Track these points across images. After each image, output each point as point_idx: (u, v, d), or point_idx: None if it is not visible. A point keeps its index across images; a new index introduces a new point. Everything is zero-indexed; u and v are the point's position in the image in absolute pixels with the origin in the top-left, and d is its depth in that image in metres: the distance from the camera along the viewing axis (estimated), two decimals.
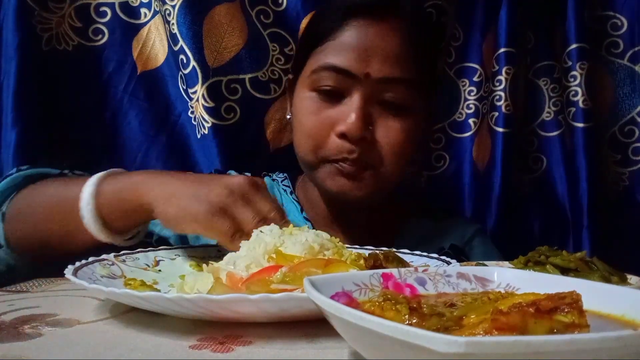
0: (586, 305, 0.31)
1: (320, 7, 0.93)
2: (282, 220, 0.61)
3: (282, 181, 0.93)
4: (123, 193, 0.65)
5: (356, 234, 0.84)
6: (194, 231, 0.63)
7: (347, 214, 0.86)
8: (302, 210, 0.88)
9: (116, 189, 0.65)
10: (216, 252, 0.69)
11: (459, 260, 0.62)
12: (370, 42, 0.77)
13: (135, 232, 0.70)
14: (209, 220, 0.59)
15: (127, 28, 0.97)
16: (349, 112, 0.76)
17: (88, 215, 0.64)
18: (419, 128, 0.83)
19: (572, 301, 0.30)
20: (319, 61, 0.79)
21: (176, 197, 0.62)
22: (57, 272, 0.55)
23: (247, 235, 0.58)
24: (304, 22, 0.97)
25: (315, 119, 0.79)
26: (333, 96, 0.78)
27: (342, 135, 0.76)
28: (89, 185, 0.65)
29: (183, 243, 0.81)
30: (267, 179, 0.92)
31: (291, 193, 0.91)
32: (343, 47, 0.78)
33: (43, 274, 0.66)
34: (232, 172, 0.91)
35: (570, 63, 0.98)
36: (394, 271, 0.41)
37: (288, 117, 0.89)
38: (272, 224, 0.59)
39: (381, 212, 0.90)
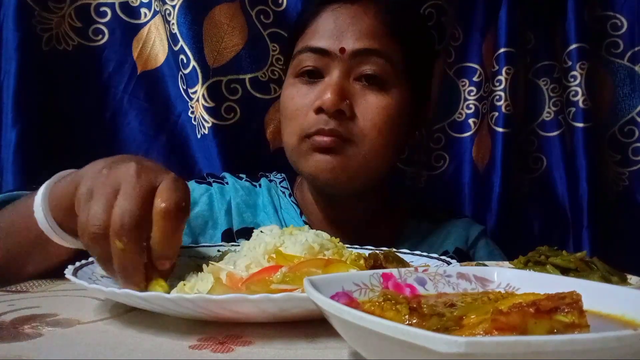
0: (586, 305, 0.31)
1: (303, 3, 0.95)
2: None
3: (280, 182, 0.92)
4: (66, 188, 0.57)
5: (355, 237, 0.83)
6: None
7: (345, 217, 0.85)
8: (301, 214, 0.87)
9: (61, 186, 0.58)
10: (216, 252, 0.69)
11: None
12: (343, 21, 0.79)
13: None
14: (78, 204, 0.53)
15: (127, 28, 0.97)
16: (326, 88, 0.76)
17: (42, 219, 0.57)
18: (404, 108, 0.81)
19: (572, 301, 0.30)
20: (298, 47, 0.82)
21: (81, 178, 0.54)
22: (57, 272, 0.55)
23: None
24: None
25: (296, 101, 0.80)
26: (313, 77, 0.79)
27: (319, 110, 0.76)
28: (41, 189, 0.58)
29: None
30: (263, 180, 0.91)
31: (290, 195, 0.90)
32: (318, 30, 0.80)
33: (53, 275, 0.63)
34: (227, 175, 0.90)
35: (570, 63, 0.98)
36: (394, 271, 0.41)
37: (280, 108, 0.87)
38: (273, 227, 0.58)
39: (380, 214, 0.89)
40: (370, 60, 0.78)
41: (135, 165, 0.50)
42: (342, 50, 0.77)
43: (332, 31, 0.79)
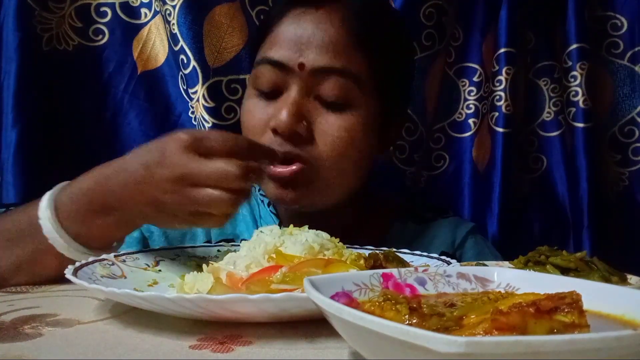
0: (586, 305, 0.31)
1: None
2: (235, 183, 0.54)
3: (259, 190, 0.85)
4: (73, 195, 0.59)
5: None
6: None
7: (324, 228, 0.72)
8: (280, 224, 0.79)
9: (68, 195, 0.60)
10: (216, 252, 0.69)
11: None
12: (305, 30, 0.72)
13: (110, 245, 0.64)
14: (150, 219, 0.59)
15: (128, 28, 0.97)
16: (282, 107, 0.71)
17: (49, 229, 0.58)
18: (367, 130, 0.74)
19: (572, 301, 0.30)
20: (259, 56, 0.75)
21: (124, 198, 0.57)
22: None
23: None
24: None
25: (253, 118, 0.74)
26: (271, 93, 0.74)
27: (275, 131, 0.71)
28: (44, 201, 0.59)
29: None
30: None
31: (269, 204, 0.85)
32: (278, 39, 0.73)
33: None
34: None
35: (570, 63, 0.98)
36: (394, 271, 0.41)
37: None
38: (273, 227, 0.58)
39: (362, 219, 0.85)
40: (332, 80, 0.71)
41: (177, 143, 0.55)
42: (301, 66, 0.71)
43: (292, 42, 0.72)
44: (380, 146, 0.82)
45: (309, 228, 0.78)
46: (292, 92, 0.71)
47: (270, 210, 0.85)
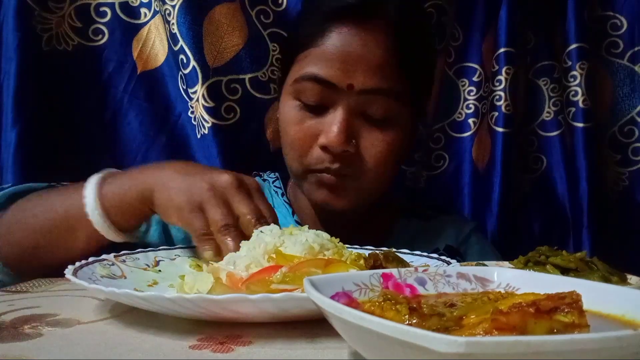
0: (586, 305, 0.31)
1: (303, 8, 0.91)
2: (262, 223, 0.60)
3: (273, 182, 0.91)
4: (124, 186, 0.66)
5: (346, 237, 0.82)
6: (176, 223, 0.64)
7: (336, 218, 0.84)
8: (293, 213, 0.86)
9: (117, 185, 0.66)
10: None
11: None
12: (353, 51, 0.74)
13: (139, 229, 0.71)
14: (185, 215, 0.61)
15: (127, 28, 0.97)
16: (331, 125, 0.74)
17: (94, 212, 0.65)
18: (405, 140, 0.80)
19: (572, 301, 0.30)
20: (302, 69, 0.76)
21: (166, 187, 0.63)
22: (57, 272, 0.55)
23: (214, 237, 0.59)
24: None
25: (299, 129, 0.77)
26: (317, 107, 0.76)
27: (325, 148, 0.75)
28: (90, 186, 0.66)
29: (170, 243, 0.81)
30: (257, 179, 0.90)
31: (282, 195, 0.89)
32: (325, 57, 0.75)
33: (53, 275, 0.65)
34: None
35: (570, 63, 0.99)
36: (394, 271, 0.41)
37: (278, 116, 0.86)
38: (272, 224, 0.58)
39: (370, 214, 0.88)
40: (378, 100, 0.75)
41: (226, 176, 0.62)
42: (350, 86, 0.74)
43: (340, 62, 0.74)
44: (408, 150, 0.88)
45: (323, 222, 0.85)
46: (341, 111, 0.74)
47: (284, 200, 0.88)
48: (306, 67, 0.76)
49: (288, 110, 0.79)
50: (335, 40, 0.75)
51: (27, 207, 0.71)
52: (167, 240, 0.83)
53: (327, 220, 0.85)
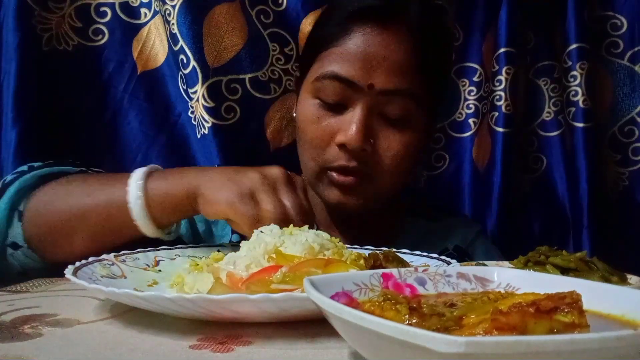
0: (586, 305, 0.31)
1: (326, 7, 0.92)
2: (303, 220, 0.61)
3: None
4: (170, 185, 0.66)
5: (354, 235, 0.84)
6: (225, 215, 0.64)
7: (345, 217, 0.85)
8: None
9: (163, 182, 0.67)
10: (216, 252, 0.69)
11: (463, 261, 0.62)
12: (375, 51, 0.75)
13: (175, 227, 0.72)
14: (236, 203, 0.61)
15: (127, 28, 0.97)
16: (350, 123, 0.74)
17: (138, 211, 0.65)
18: (421, 142, 0.81)
19: (572, 301, 0.30)
20: (323, 68, 0.77)
21: (213, 181, 0.64)
22: (57, 272, 0.55)
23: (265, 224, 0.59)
24: (305, 22, 0.97)
25: (317, 128, 0.78)
26: (336, 105, 0.77)
27: (342, 146, 0.75)
28: (135, 181, 0.66)
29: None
30: None
31: None
32: (347, 56, 0.76)
33: (53, 274, 0.65)
34: None
35: (570, 63, 0.99)
36: (394, 271, 0.41)
37: (294, 114, 0.87)
38: (273, 225, 0.58)
39: (379, 213, 0.89)
40: (397, 101, 0.76)
41: (276, 169, 0.66)
42: (371, 86, 0.74)
43: (362, 61, 0.75)
44: (423, 152, 0.89)
45: (333, 222, 0.86)
46: (360, 110, 0.75)
47: None
48: (328, 65, 0.77)
49: (307, 108, 0.80)
50: (358, 40, 0.76)
51: (64, 190, 0.71)
52: (193, 234, 0.85)
53: (335, 219, 0.86)
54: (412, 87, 0.76)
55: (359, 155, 0.75)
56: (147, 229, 0.66)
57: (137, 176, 0.67)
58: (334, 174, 0.77)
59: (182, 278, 0.56)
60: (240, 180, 0.63)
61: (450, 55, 0.92)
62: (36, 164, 0.77)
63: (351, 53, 0.75)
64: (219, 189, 0.63)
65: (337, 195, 0.78)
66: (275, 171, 0.65)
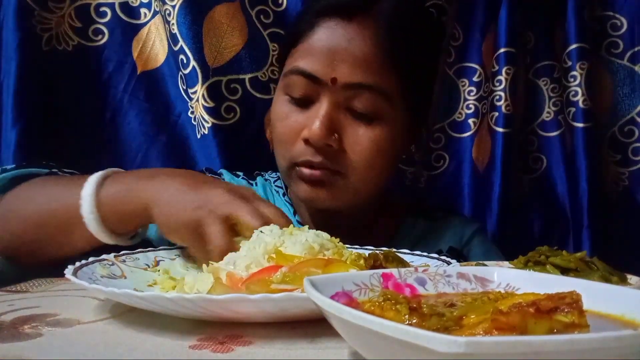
0: (586, 305, 0.31)
1: (302, 6, 0.92)
2: (285, 224, 0.59)
3: (274, 182, 0.91)
4: (123, 196, 0.64)
5: (350, 236, 0.82)
6: (176, 242, 0.63)
7: (332, 219, 0.82)
8: (295, 213, 0.86)
9: (116, 192, 0.64)
10: None
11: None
12: (338, 44, 0.74)
13: (135, 233, 0.69)
14: (185, 236, 0.60)
15: (127, 28, 0.97)
16: (314, 118, 0.74)
17: (89, 216, 0.63)
18: (395, 140, 0.78)
19: (572, 301, 0.30)
20: (291, 64, 0.78)
21: (166, 204, 0.61)
22: (57, 272, 0.55)
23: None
24: None
25: (286, 124, 0.78)
26: (303, 101, 0.77)
27: (307, 141, 0.74)
28: (89, 186, 0.64)
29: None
30: (259, 179, 0.91)
31: (284, 195, 0.89)
32: (312, 50, 0.75)
33: (38, 275, 0.64)
34: (224, 172, 0.90)
35: (570, 63, 0.98)
36: (394, 271, 0.41)
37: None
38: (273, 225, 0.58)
39: (376, 214, 0.88)
40: (363, 95, 0.74)
41: (222, 191, 0.61)
42: (334, 80, 0.73)
43: (325, 55, 0.74)
44: (406, 149, 0.88)
45: (326, 224, 0.83)
46: (324, 105, 0.74)
47: (285, 200, 0.88)
48: (294, 61, 0.77)
49: (277, 105, 0.80)
50: (322, 34, 0.75)
51: (25, 196, 0.70)
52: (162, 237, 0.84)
53: (324, 220, 0.84)
54: (379, 82, 0.74)
55: (323, 151, 0.74)
56: (105, 237, 0.64)
57: (90, 185, 0.64)
58: (302, 169, 0.76)
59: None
60: (186, 210, 0.59)
61: (432, 54, 0.87)
62: (8, 167, 0.76)
63: (316, 48, 0.75)
64: (169, 217, 0.60)
65: (306, 191, 0.76)
66: (216, 196, 0.60)
